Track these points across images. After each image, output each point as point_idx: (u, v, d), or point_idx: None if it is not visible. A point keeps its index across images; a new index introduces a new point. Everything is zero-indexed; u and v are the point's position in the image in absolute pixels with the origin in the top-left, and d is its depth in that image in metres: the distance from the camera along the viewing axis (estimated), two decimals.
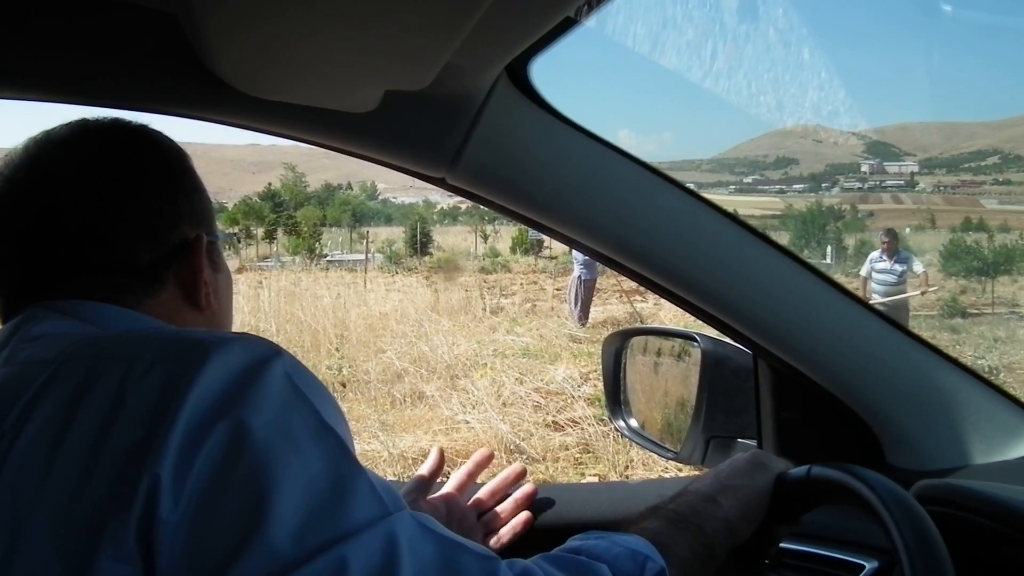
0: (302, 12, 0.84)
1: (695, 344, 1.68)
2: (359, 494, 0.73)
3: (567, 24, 1.02)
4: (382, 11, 0.83)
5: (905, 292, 12.33)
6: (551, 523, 1.50)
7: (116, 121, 1.04)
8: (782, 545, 1.24)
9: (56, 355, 0.80)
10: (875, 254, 12.45)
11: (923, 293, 13.39)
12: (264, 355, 0.78)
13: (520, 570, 0.81)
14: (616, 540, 0.91)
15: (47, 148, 0.99)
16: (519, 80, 1.22)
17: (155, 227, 0.99)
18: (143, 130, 1.04)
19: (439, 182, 1.30)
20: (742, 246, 1.35)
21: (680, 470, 6.35)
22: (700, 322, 1.49)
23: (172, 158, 1.05)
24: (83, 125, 1.02)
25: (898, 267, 11.95)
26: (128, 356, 0.77)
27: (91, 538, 0.67)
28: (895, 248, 12.25)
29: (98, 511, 0.68)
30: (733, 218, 1.35)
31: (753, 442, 1.58)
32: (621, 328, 2.20)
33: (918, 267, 12.54)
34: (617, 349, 1.92)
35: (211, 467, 0.69)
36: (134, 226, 0.97)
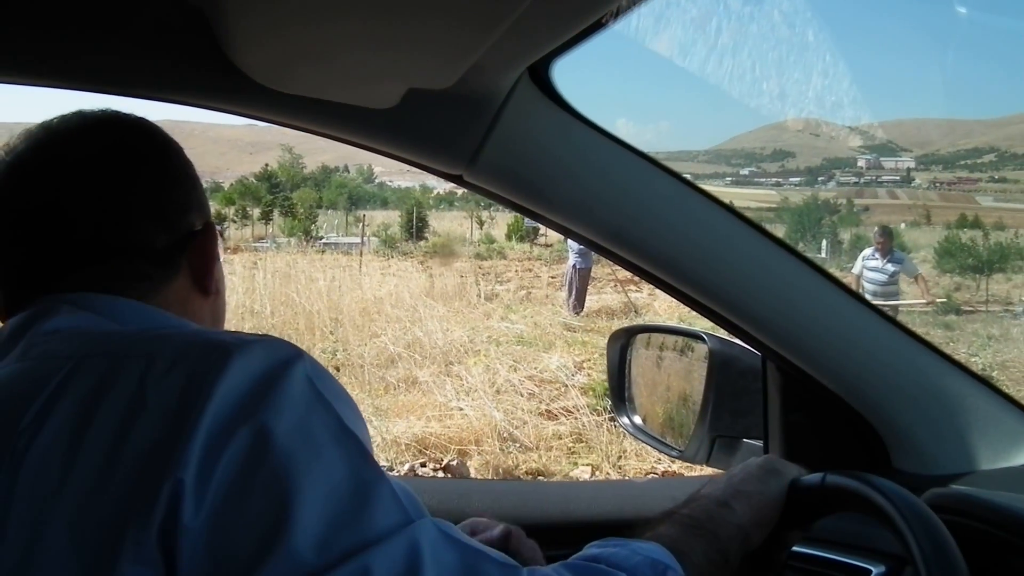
0: (331, 8, 0.84)
1: (702, 343, 1.68)
2: (381, 501, 0.73)
3: (595, 26, 1.02)
4: (414, 8, 0.83)
5: (897, 292, 11.95)
6: (562, 521, 1.51)
7: (117, 113, 1.04)
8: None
9: (74, 351, 0.79)
10: (867, 251, 12.02)
11: (929, 303, 12.93)
12: (286, 358, 0.78)
13: None
14: (635, 548, 0.90)
15: (55, 134, 0.98)
16: (540, 80, 1.22)
17: (168, 212, 0.99)
18: (144, 122, 1.05)
19: (456, 179, 1.30)
20: (756, 250, 1.35)
21: (672, 463, 6.39)
22: (703, 320, 1.49)
23: (174, 150, 1.05)
24: (84, 115, 1.01)
25: (890, 267, 11.51)
26: (148, 355, 0.76)
27: (112, 540, 0.67)
28: (889, 247, 11.81)
29: (119, 513, 0.67)
30: (746, 219, 1.35)
31: (759, 443, 1.59)
32: (620, 322, 2.20)
33: (914, 270, 12.15)
34: (623, 346, 1.92)
35: (233, 472, 0.69)
36: (149, 210, 0.97)
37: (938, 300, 14.24)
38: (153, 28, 1.09)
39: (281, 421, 0.72)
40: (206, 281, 1.03)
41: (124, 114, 1.04)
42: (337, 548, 0.68)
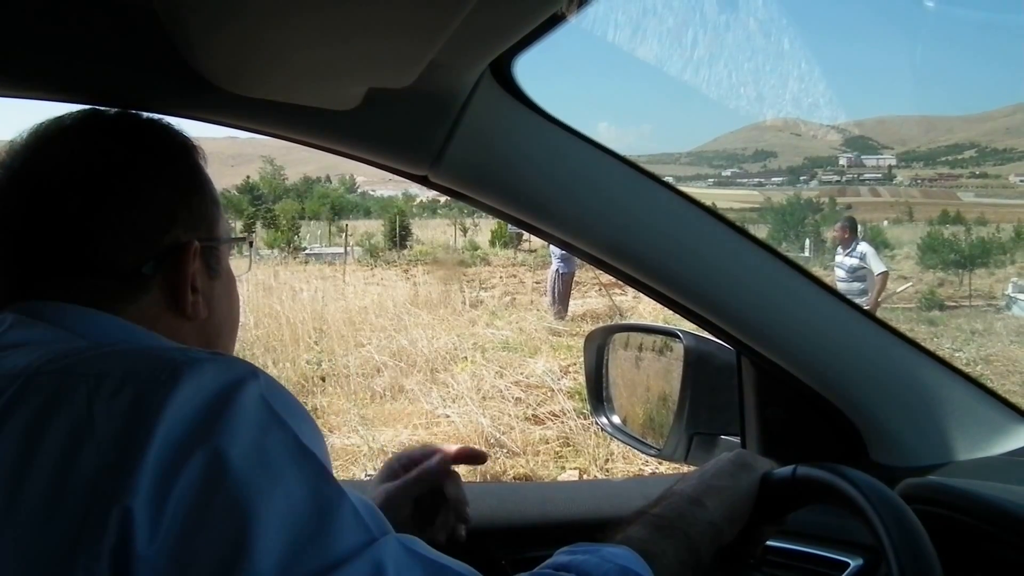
0: (286, 10, 0.83)
1: (678, 341, 1.68)
2: (343, 521, 0.72)
3: (553, 21, 1.01)
4: (368, 10, 0.82)
5: (864, 290, 10.53)
6: (539, 522, 1.50)
7: (122, 114, 1.01)
8: (767, 543, 1.24)
9: (25, 367, 0.77)
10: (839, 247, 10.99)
11: (874, 307, 10.33)
12: (239, 377, 0.75)
13: None
14: (605, 555, 0.88)
15: (46, 138, 0.96)
16: (503, 77, 1.21)
17: (143, 228, 0.94)
18: (149, 125, 1.01)
19: (422, 180, 1.29)
20: (726, 244, 1.34)
21: (660, 464, 6.39)
22: (683, 319, 1.49)
23: (173, 156, 1.00)
24: (92, 115, 0.99)
25: (848, 261, 10.56)
26: (96, 373, 0.74)
27: (62, 569, 0.65)
28: (851, 240, 10.71)
29: (68, 540, 0.65)
30: (717, 215, 1.35)
31: (736, 439, 1.59)
32: (603, 324, 2.20)
33: (877, 266, 10.55)
34: (600, 345, 1.91)
35: (189, 499, 0.66)
36: (119, 226, 0.92)
37: (897, 291, 13.29)
38: (108, 33, 1.06)
39: (236, 444, 0.70)
40: (181, 302, 0.96)
41: (130, 117, 1.01)
42: (300, 571, 0.67)
